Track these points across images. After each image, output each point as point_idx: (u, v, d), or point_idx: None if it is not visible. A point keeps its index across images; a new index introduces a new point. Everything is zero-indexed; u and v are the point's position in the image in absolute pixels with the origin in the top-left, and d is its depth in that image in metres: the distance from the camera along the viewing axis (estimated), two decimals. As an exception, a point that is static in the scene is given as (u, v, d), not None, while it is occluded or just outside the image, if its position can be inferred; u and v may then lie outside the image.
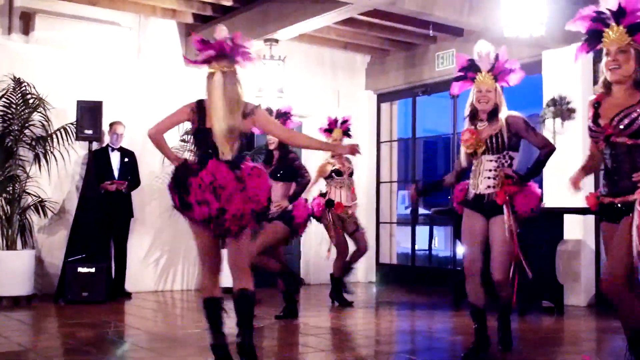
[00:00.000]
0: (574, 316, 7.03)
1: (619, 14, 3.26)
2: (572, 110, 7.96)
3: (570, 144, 7.93)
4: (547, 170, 8.21)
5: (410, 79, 10.15)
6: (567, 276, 7.67)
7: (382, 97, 10.84)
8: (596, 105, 3.46)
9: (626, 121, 3.22)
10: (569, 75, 8.03)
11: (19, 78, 7.61)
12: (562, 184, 8.11)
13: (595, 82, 8.05)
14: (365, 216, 9.57)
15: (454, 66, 9.42)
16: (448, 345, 5.69)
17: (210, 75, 3.93)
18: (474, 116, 4.64)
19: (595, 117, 3.40)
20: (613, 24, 3.30)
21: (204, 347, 5.01)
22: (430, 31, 8.83)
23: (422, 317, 7.37)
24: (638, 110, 3.21)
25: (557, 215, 7.55)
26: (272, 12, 7.66)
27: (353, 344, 5.61)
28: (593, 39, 3.46)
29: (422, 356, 5.01)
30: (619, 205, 3.28)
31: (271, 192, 3.90)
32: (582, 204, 7.69)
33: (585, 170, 3.88)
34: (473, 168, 4.66)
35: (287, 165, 6.39)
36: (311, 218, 7.07)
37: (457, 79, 4.73)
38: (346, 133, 7.75)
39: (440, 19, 7.73)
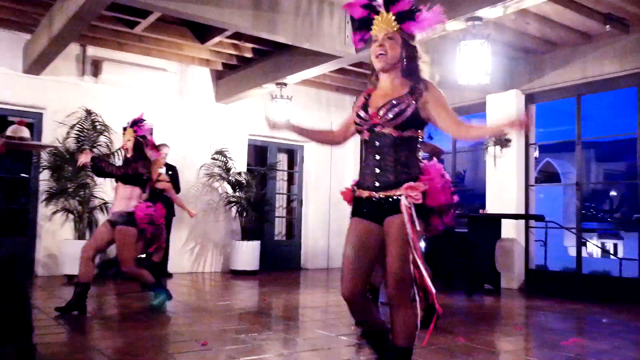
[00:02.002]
0: (508, 296, 7.08)
1: (389, 1, 2.52)
2: (508, 140, 8.03)
3: (507, 165, 8.03)
4: (489, 186, 8.33)
5: (387, 115, 10.14)
6: (504, 266, 7.73)
7: (365, 128, 10.81)
8: (367, 97, 2.62)
9: (396, 110, 2.46)
10: (506, 113, 8.10)
11: (89, 110, 7.70)
12: (500, 196, 8.23)
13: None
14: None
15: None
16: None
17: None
18: None
19: (365, 106, 2.58)
20: (383, 10, 2.54)
21: (227, 316, 5.10)
22: (402, 78, 8.92)
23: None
24: (407, 101, 2.48)
25: (496, 219, 7.66)
26: (282, 63, 7.72)
27: (339, 315, 5.66)
28: (364, 26, 2.63)
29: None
30: (380, 199, 2.47)
31: None
32: (515, 211, 7.87)
33: (309, 132, 2.98)
34: None
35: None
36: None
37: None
38: None
39: (409, 69, 7.79)
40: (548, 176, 24.71)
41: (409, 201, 2.39)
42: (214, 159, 8.85)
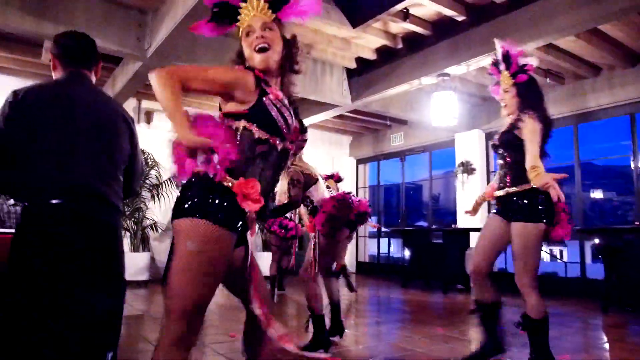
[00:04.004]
0: (470, 294, 6.97)
1: None
2: (473, 169, 8.02)
3: (473, 188, 7.99)
4: (459, 205, 8.28)
5: (376, 150, 10.19)
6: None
7: (359, 161, 10.86)
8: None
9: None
10: (471, 148, 8.12)
11: (143, 149, 7.74)
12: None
13: (487, 154, 8.15)
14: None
15: (402, 142, 9.54)
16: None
17: None
18: None
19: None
20: None
21: (251, 312, 5.03)
22: (388, 122, 8.96)
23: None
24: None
25: (465, 232, 7.59)
26: (294, 111, 7.77)
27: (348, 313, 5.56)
28: (224, 15, 1.76)
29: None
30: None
31: None
32: (480, 226, 7.79)
33: None
34: None
35: None
36: None
37: None
38: (337, 181, 6.82)
39: (393, 114, 7.84)
40: (505, 197, 24.59)
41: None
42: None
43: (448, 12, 4.90)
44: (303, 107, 7.46)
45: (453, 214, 8.62)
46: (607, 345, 3.74)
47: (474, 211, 3.10)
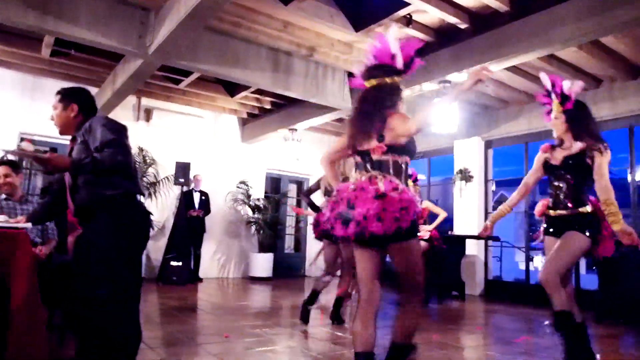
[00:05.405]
0: (471, 302, 6.98)
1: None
2: (471, 176, 8.03)
3: (470, 196, 8.02)
4: (456, 212, 8.28)
5: (375, 155, 10.14)
6: (467, 277, 7.65)
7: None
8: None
9: None
10: (470, 156, 8.13)
11: (141, 147, 7.74)
12: (465, 221, 8.16)
13: (486, 162, 8.17)
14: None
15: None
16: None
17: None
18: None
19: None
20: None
21: (245, 314, 5.03)
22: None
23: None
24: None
25: (461, 239, 7.60)
26: (294, 113, 7.77)
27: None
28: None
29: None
30: None
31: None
32: (477, 233, 7.81)
33: None
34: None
35: None
36: None
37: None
38: (415, 181, 5.92)
39: (393, 120, 7.82)
40: (502, 205, 24.68)
41: None
42: (238, 187, 8.83)
43: (451, 20, 4.91)
44: (304, 110, 7.48)
45: (450, 221, 8.62)
46: (598, 356, 3.73)
47: (489, 230, 3.17)
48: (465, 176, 8.02)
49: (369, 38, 5.49)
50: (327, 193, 4.27)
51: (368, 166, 2.17)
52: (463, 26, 5.02)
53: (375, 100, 2.24)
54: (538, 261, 13.53)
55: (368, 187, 2.06)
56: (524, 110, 7.42)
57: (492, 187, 8.51)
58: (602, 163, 2.65)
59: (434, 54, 5.56)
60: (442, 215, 6.17)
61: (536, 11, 4.60)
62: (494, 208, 10.31)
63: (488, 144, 8.18)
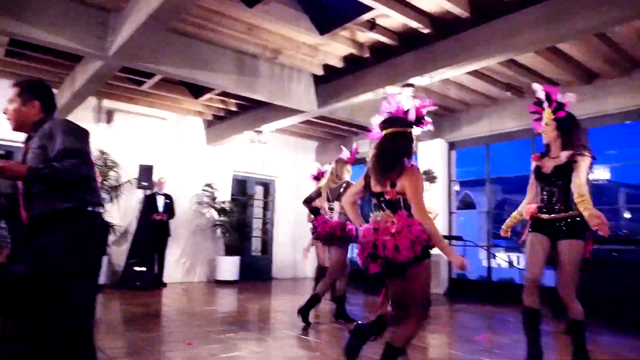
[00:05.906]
0: (435, 300, 7.00)
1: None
2: (435, 177, 8.17)
3: (435, 196, 8.14)
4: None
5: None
6: (433, 276, 7.75)
7: (324, 166, 10.81)
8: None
9: None
10: (434, 157, 8.27)
11: (102, 150, 7.53)
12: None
13: (449, 163, 8.34)
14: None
15: (368, 150, 9.60)
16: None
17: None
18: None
19: None
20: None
21: (211, 319, 4.96)
22: (354, 129, 9.04)
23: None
24: None
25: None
26: (260, 115, 7.72)
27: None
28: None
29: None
30: None
31: None
32: (441, 233, 7.93)
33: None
34: None
35: None
36: None
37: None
38: (317, 178, 6.38)
39: (359, 122, 7.89)
40: (466, 205, 25.18)
41: None
42: (204, 190, 8.72)
43: (414, 25, 4.99)
44: (269, 112, 7.44)
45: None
46: (552, 353, 3.87)
47: (508, 231, 3.57)
48: (430, 177, 8.15)
49: (334, 42, 5.53)
50: (329, 199, 5.01)
51: (383, 206, 2.67)
52: (426, 31, 5.11)
53: (392, 147, 2.68)
54: (500, 259, 13.92)
55: (385, 228, 2.54)
56: (485, 113, 7.62)
57: (456, 187, 8.69)
58: (582, 166, 2.93)
59: (397, 57, 5.64)
60: None
61: (496, 18, 4.73)
62: (458, 208, 10.58)
63: (451, 146, 8.36)
